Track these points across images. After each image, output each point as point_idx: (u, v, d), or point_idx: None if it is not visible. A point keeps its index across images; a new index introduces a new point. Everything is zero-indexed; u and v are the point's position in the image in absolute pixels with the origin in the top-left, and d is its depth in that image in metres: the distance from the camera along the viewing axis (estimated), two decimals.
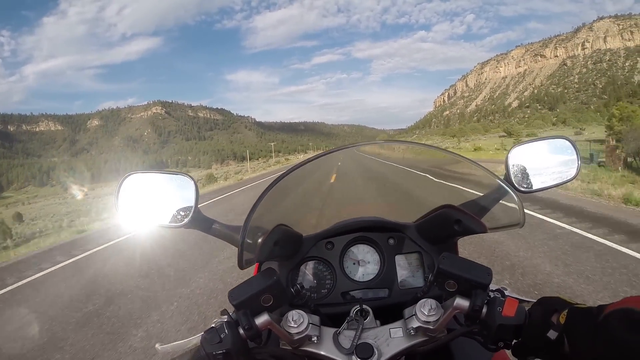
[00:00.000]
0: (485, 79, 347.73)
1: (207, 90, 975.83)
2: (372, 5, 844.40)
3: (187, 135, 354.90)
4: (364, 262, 0.87)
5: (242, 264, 0.62)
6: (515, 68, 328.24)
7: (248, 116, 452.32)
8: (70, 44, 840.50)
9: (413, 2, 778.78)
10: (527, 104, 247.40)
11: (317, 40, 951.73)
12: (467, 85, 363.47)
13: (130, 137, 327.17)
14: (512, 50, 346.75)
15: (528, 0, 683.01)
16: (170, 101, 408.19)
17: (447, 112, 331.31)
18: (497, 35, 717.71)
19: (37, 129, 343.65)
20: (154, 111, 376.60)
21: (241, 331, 0.58)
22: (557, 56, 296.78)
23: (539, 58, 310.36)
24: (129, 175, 0.80)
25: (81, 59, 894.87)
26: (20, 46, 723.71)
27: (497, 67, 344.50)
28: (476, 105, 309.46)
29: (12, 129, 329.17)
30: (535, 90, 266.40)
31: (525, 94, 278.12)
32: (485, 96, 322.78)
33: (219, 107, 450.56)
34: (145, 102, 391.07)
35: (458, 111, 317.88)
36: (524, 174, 0.81)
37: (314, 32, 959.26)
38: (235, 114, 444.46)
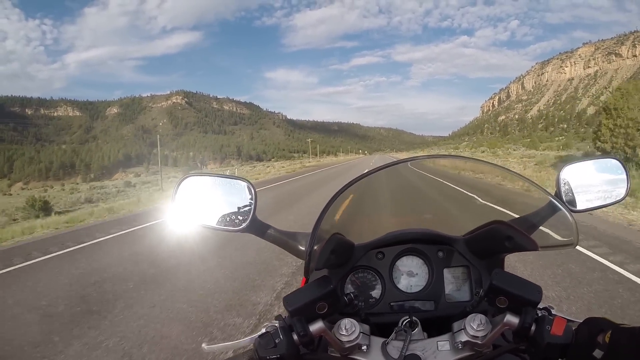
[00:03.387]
0: (547, 81, 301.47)
1: (244, 87, 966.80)
2: (414, 7, 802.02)
3: (205, 128, 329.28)
4: (412, 274, 0.86)
5: (308, 273, 0.64)
6: (584, 69, 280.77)
7: (278, 112, 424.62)
8: (111, 35, 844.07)
9: (456, 5, 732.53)
10: None
11: (357, 41, 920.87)
12: (523, 87, 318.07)
13: (142, 127, 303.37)
14: (578, 48, 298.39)
15: (574, 8, 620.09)
16: (195, 91, 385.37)
17: (503, 117, 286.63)
18: (541, 44, 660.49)
19: (55, 114, 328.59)
20: (174, 101, 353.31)
21: (295, 337, 0.59)
22: (635, 55, 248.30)
23: (613, 57, 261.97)
24: (187, 177, 0.79)
25: (121, 50, 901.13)
26: (61, 35, 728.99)
27: (561, 67, 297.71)
28: (539, 110, 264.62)
29: (29, 113, 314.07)
30: None
31: (602, 98, 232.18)
32: (548, 100, 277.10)
33: (247, 101, 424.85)
34: (168, 92, 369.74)
35: (516, 116, 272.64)
36: (574, 193, 0.81)
37: (354, 32, 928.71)
38: (264, 109, 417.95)
